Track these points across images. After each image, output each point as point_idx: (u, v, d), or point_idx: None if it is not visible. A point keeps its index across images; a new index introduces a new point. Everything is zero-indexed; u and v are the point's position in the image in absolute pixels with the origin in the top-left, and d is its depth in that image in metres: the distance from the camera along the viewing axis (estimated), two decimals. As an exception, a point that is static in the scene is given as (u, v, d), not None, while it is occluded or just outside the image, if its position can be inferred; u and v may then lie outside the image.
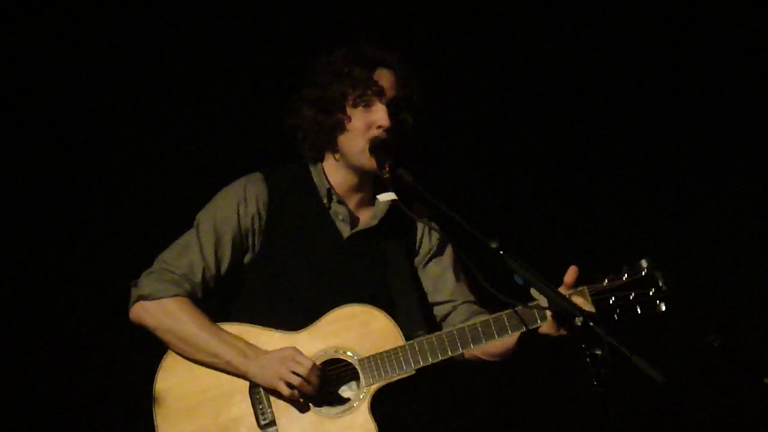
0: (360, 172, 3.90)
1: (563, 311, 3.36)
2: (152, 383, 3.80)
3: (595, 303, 3.62)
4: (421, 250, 4.03)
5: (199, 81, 5.37)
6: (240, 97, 5.40)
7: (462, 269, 4.04)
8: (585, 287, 3.65)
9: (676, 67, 5.68)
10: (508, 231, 5.21)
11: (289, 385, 3.68)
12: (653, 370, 3.11)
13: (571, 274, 3.62)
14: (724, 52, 5.62)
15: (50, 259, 5.28)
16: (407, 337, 3.75)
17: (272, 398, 3.74)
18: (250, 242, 3.91)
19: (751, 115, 5.64)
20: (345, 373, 3.74)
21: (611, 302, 3.63)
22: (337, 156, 3.93)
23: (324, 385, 3.73)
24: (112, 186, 5.36)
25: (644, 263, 3.63)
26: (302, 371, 3.66)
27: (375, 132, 3.82)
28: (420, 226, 4.00)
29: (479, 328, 3.71)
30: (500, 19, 5.60)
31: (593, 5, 5.60)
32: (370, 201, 3.97)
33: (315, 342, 3.77)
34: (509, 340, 3.75)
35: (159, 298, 3.81)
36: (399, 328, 3.76)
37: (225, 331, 3.80)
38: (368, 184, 3.95)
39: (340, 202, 3.94)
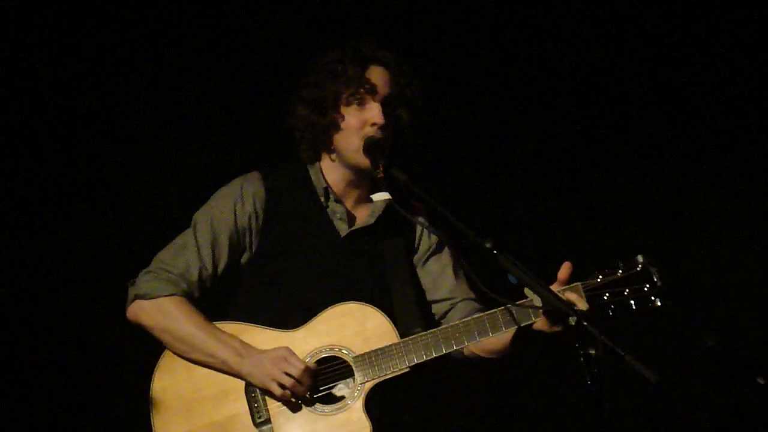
0: (356, 170, 3.88)
1: (557, 311, 3.34)
2: (149, 382, 3.79)
3: (589, 299, 3.60)
4: (420, 248, 4.02)
5: (199, 81, 5.36)
6: (239, 97, 5.39)
7: (461, 267, 4.02)
8: (579, 283, 3.64)
9: (673, 64, 5.66)
10: (502, 228, 5.24)
11: (281, 386, 3.67)
12: (647, 369, 3.10)
13: (564, 270, 3.61)
14: (724, 52, 5.61)
15: (48, 258, 5.27)
16: (404, 335, 3.73)
17: (267, 397, 3.73)
18: (248, 241, 3.90)
19: (750, 115, 5.63)
20: (340, 370, 3.73)
21: (605, 298, 3.62)
22: (333, 156, 3.92)
23: (319, 382, 3.71)
24: (111, 185, 5.35)
25: (639, 259, 3.61)
26: (294, 372, 3.65)
27: (369, 130, 3.81)
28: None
29: (472, 325, 3.69)
30: (499, 17, 5.60)
31: (593, 5, 5.59)
32: (368, 199, 3.95)
33: (310, 340, 3.76)
34: (504, 337, 3.74)
35: (156, 297, 3.80)
36: (394, 326, 3.75)
37: (221, 331, 3.78)
38: (365, 182, 3.93)
39: (338, 201, 3.92)
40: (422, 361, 3.68)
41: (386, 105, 3.82)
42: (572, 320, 3.20)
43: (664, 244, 5.53)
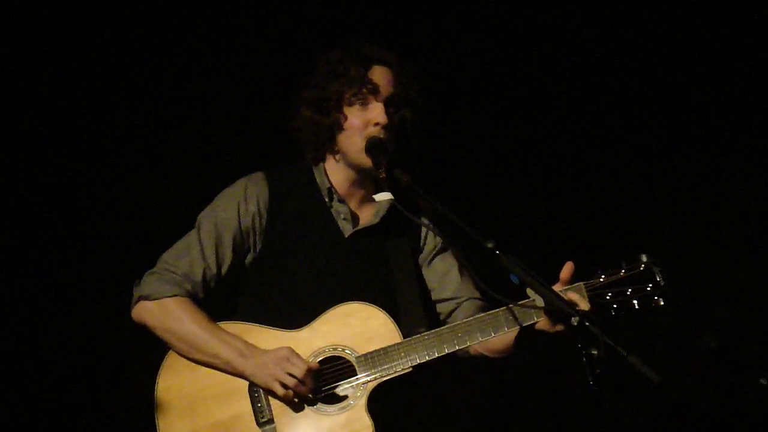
0: (359, 170, 3.87)
1: (559, 311, 3.32)
2: (154, 382, 3.79)
3: (591, 299, 3.58)
4: (425, 247, 4.00)
5: (204, 82, 5.37)
6: (244, 97, 5.39)
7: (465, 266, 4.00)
8: (581, 283, 3.61)
9: (674, 64, 5.66)
10: (505, 228, 5.24)
11: (284, 386, 3.66)
12: (649, 369, 3.09)
13: (566, 270, 3.59)
14: (724, 52, 5.60)
15: (55, 259, 5.28)
16: (408, 335, 3.71)
17: (270, 397, 3.71)
18: (252, 242, 3.88)
19: (750, 115, 5.62)
20: (343, 370, 3.71)
21: (608, 298, 3.59)
22: (337, 156, 3.90)
23: (322, 382, 3.70)
24: (117, 187, 5.36)
25: (642, 258, 3.59)
26: (296, 372, 3.64)
27: (372, 130, 3.79)
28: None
29: (474, 326, 3.67)
30: (500, 17, 5.59)
31: (593, 5, 5.58)
32: (372, 200, 3.93)
33: (313, 340, 3.74)
34: (508, 337, 3.72)
35: (159, 298, 3.79)
36: (397, 326, 3.73)
37: (224, 331, 3.77)
38: (369, 182, 3.91)
39: (341, 201, 3.90)
40: (424, 361, 3.67)
41: (389, 105, 3.81)
42: (574, 320, 3.19)
43: (666, 243, 5.53)
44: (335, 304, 3.76)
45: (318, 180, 3.93)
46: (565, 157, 5.71)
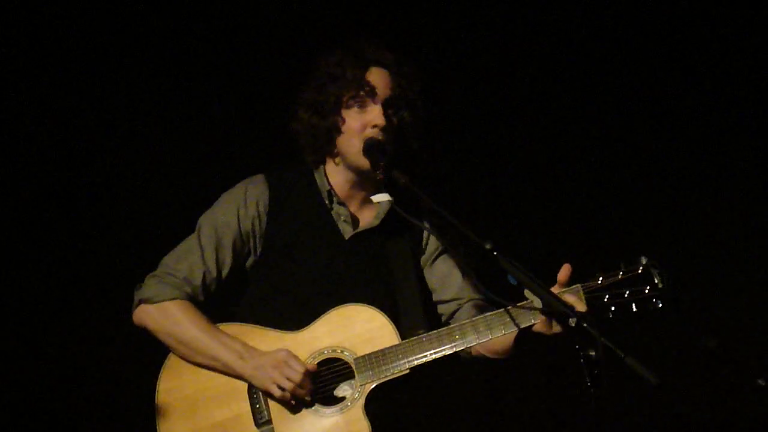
0: (359, 172, 3.84)
1: (557, 312, 3.30)
2: (156, 383, 3.78)
3: (589, 301, 3.53)
4: (428, 248, 3.97)
5: (204, 84, 5.36)
6: (248, 99, 5.38)
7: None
8: (579, 285, 3.57)
9: (673, 64, 5.63)
10: (503, 229, 5.21)
11: (281, 388, 3.64)
12: (647, 371, 3.05)
13: (564, 272, 3.55)
14: (724, 52, 5.57)
15: (59, 262, 5.27)
16: (408, 337, 3.69)
17: (269, 398, 3.70)
18: (252, 245, 3.87)
19: (750, 115, 5.59)
20: (341, 372, 3.69)
21: (605, 300, 3.54)
22: (336, 159, 3.88)
23: (320, 384, 3.68)
24: (120, 189, 5.35)
25: (641, 260, 3.54)
26: (294, 375, 3.62)
27: (370, 132, 3.76)
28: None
29: (471, 328, 3.64)
30: (499, 18, 5.57)
31: (594, 5, 5.56)
32: (372, 201, 3.91)
33: (313, 341, 3.72)
34: (507, 338, 3.68)
35: (160, 301, 3.78)
36: (395, 328, 3.70)
37: (223, 333, 3.76)
38: (369, 184, 3.88)
39: (341, 203, 3.88)
40: (422, 362, 3.64)
41: (387, 106, 3.78)
42: (572, 322, 3.17)
43: (665, 244, 5.51)
44: (335, 306, 3.74)
45: (318, 182, 3.90)
46: (563, 158, 5.68)
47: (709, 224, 5.60)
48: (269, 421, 3.67)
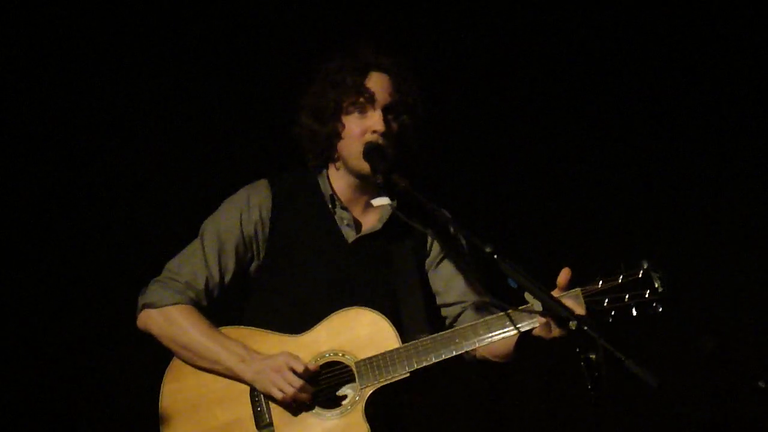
0: (360, 177, 3.82)
1: (557, 315, 3.26)
2: (160, 386, 3.78)
3: (588, 305, 3.50)
4: (432, 251, 3.94)
5: (209, 89, 5.36)
6: (253, 103, 5.36)
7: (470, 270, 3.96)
8: (578, 289, 3.53)
9: (674, 65, 5.61)
10: (504, 232, 5.20)
11: (283, 392, 3.63)
12: (648, 373, 3.01)
13: (563, 276, 3.51)
14: (723, 52, 5.55)
15: (64, 266, 5.26)
16: (410, 340, 3.66)
17: (270, 401, 3.69)
18: (255, 250, 3.85)
19: (750, 115, 5.56)
20: (342, 375, 3.67)
21: (605, 304, 3.50)
22: (338, 163, 3.86)
23: (321, 387, 3.67)
24: (125, 193, 5.34)
25: (642, 264, 3.50)
26: (294, 378, 3.61)
27: (370, 137, 3.74)
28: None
29: (471, 331, 3.60)
30: (498, 18, 5.56)
31: (593, 5, 5.54)
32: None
33: (314, 345, 3.70)
34: (509, 342, 3.65)
35: (162, 306, 3.77)
36: (396, 331, 3.67)
37: (226, 337, 3.75)
38: (372, 189, 3.85)
39: (344, 207, 3.86)
40: (421, 366, 3.61)
41: (387, 112, 3.76)
42: (573, 325, 3.14)
43: (665, 248, 5.47)
44: (337, 309, 3.72)
45: (321, 186, 3.89)
46: (562, 161, 5.66)
47: (709, 227, 5.58)
48: (270, 424, 3.66)
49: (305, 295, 3.77)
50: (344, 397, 3.66)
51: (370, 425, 3.58)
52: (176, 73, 5.31)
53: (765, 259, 5.50)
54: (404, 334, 3.68)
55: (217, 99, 5.36)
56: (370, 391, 3.61)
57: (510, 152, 5.64)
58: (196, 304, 3.79)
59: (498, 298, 3.51)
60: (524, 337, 3.59)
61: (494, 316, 3.60)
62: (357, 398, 3.62)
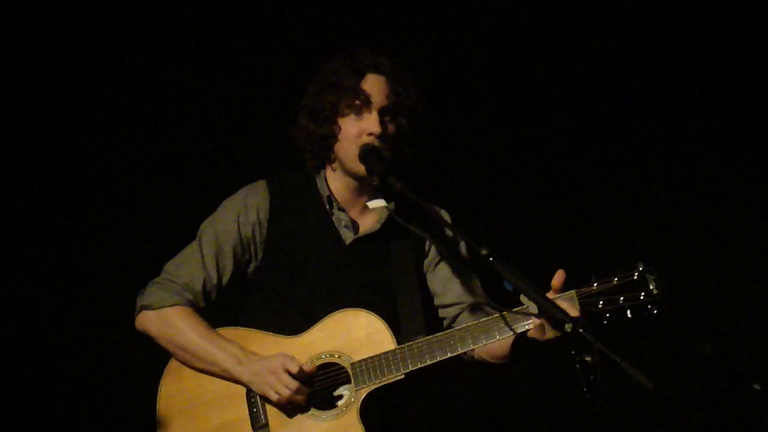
0: (357, 178, 3.80)
1: (552, 317, 3.25)
2: (157, 387, 3.78)
3: (583, 307, 3.48)
4: (430, 252, 3.92)
5: (208, 91, 5.34)
6: (251, 105, 5.35)
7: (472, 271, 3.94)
8: (573, 291, 3.51)
9: (672, 66, 5.59)
10: (499, 235, 5.18)
11: (278, 393, 3.61)
12: (643, 376, 3.00)
13: (558, 278, 3.48)
14: (723, 52, 5.53)
15: (63, 267, 5.25)
16: (408, 342, 3.64)
17: (266, 402, 3.67)
18: (253, 251, 3.84)
19: (749, 115, 5.54)
20: (338, 376, 3.66)
21: (600, 306, 3.48)
22: (335, 165, 3.85)
23: (316, 388, 3.65)
24: (124, 195, 5.33)
25: (637, 266, 3.48)
26: (289, 380, 3.60)
27: (366, 139, 3.72)
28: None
29: (465, 333, 3.58)
30: (497, 19, 5.54)
31: (593, 5, 5.53)
32: None
33: (311, 346, 3.69)
34: (505, 343, 3.64)
35: (160, 307, 3.77)
36: (392, 333, 3.65)
37: (222, 339, 3.73)
38: (369, 190, 3.84)
39: (341, 209, 3.84)
40: (417, 368, 3.59)
41: (384, 113, 3.74)
42: (568, 327, 3.13)
43: (661, 250, 5.45)
44: (335, 311, 3.70)
45: (319, 188, 3.88)
46: (558, 163, 5.64)
47: (706, 228, 5.56)
48: (266, 425, 3.64)
49: (303, 297, 3.75)
50: (340, 398, 3.65)
51: (364, 426, 3.57)
52: (176, 73, 5.30)
53: (762, 261, 5.48)
54: (402, 335, 3.67)
55: (217, 99, 5.35)
56: (365, 393, 3.59)
57: (505, 154, 5.63)
58: (193, 306, 3.78)
59: (494, 300, 3.49)
60: (520, 339, 3.57)
61: (490, 317, 3.58)
62: (352, 400, 3.60)
